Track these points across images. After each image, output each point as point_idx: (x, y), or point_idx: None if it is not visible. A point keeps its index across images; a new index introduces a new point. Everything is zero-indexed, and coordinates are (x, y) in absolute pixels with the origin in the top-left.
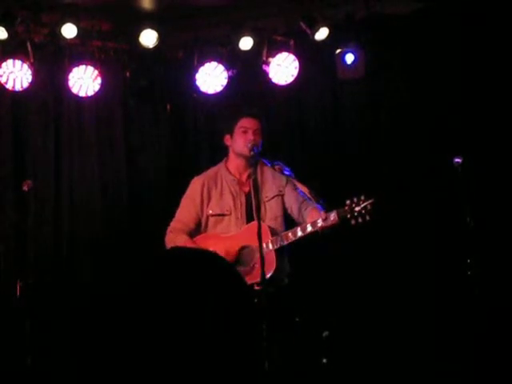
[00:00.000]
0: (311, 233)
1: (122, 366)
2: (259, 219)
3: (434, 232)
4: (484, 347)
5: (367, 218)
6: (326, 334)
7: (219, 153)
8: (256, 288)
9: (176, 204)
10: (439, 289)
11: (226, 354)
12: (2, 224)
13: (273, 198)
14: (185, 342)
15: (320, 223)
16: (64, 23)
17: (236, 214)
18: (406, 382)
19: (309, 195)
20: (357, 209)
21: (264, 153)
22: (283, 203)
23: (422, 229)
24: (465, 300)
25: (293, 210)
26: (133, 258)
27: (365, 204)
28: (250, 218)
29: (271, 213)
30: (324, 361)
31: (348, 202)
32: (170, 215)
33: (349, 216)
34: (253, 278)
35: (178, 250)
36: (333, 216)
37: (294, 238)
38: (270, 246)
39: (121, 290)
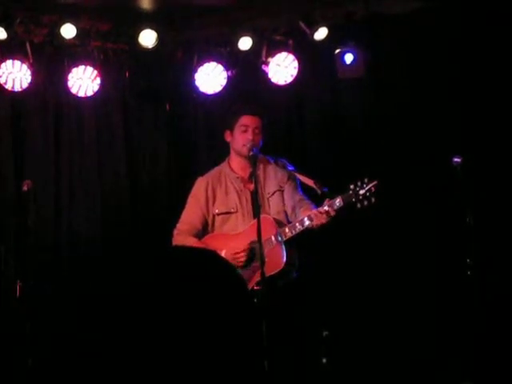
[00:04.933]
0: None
1: (122, 366)
2: (259, 220)
3: (434, 232)
4: (484, 347)
5: (373, 200)
6: (325, 333)
7: (218, 153)
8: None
9: (176, 203)
10: (439, 289)
11: (225, 354)
12: (1, 224)
13: (274, 193)
14: (184, 343)
15: (325, 208)
16: (63, 23)
17: (242, 211)
18: (406, 382)
19: (314, 186)
20: (361, 192)
21: (268, 151)
22: (283, 199)
23: (421, 229)
24: (464, 300)
25: (288, 208)
26: (133, 258)
27: (369, 186)
28: (256, 216)
29: (274, 208)
30: (324, 361)
31: (352, 186)
32: (170, 214)
33: (354, 200)
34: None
35: (177, 250)
36: (338, 201)
37: (301, 228)
38: (279, 238)
39: (121, 291)
